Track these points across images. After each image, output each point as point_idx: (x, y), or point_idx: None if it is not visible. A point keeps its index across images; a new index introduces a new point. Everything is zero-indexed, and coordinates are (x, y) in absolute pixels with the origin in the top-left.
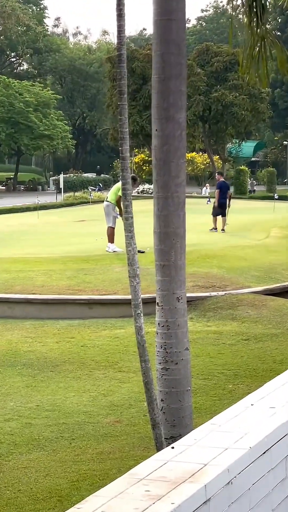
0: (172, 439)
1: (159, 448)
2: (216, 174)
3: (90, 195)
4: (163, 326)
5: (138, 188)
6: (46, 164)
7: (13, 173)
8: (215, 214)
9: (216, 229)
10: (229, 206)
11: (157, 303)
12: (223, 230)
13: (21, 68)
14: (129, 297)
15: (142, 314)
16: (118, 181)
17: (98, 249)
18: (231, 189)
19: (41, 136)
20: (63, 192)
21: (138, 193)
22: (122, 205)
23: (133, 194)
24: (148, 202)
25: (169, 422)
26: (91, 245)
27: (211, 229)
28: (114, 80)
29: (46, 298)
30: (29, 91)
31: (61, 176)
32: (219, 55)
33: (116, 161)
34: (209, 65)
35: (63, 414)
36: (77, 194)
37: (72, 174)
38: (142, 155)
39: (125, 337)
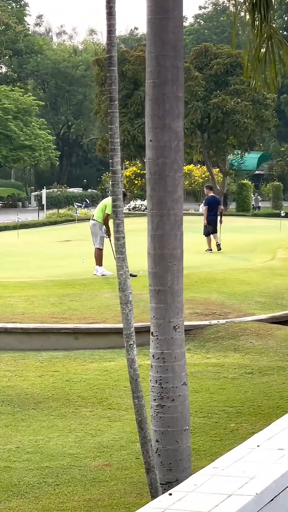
0: (169, 484)
1: (154, 494)
2: (205, 188)
3: (76, 213)
4: (158, 358)
5: (129, 204)
6: (27, 178)
7: None
8: (206, 233)
9: (211, 249)
10: (221, 223)
11: (152, 332)
12: (219, 244)
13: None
14: (120, 325)
15: (135, 345)
16: (107, 196)
17: (85, 272)
18: (231, 204)
19: (22, 146)
20: (46, 209)
21: (129, 210)
22: (111, 224)
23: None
24: (140, 220)
25: (165, 465)
26: (77, 268)
27: (207, 250)
28: (103, 85)
29: (27, 327)
30: (8, 96)
31: (44, 191)
32: (219, 57)
33: (105, 174)
34: (208, 68)
35: (46, 457)
36: (61, 211)
37: (55, 189)
38: (134, 168)
39: (115, 371)
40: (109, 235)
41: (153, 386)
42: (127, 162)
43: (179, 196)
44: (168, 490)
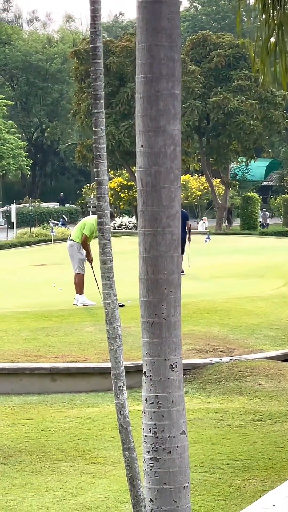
0: None
1: None
2: None
3: (52, 232)
4: (152, 403)
5: (114, 222)
6: None
7: None
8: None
9: (183, 271)
10: (189, 240)
11: (144, 372)
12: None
13: None
14: (105, 365)
15: (125, 387)
16: (88, 212)
17: (63, 302)
18: (235, 221)
19: None
20: (16, 227)
21: (115, 228)
22: (94, 245)
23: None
24: (128, 239)
25: None
26: (53, 297)
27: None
28: (83, 81)
29: None
30: None
31: (13, 207)
32: (219, 48)
33: (85, 186)
34: (207, 61)
35: None
36: (34, 230)
37: (27, 204)
38: (120, 179)
39: (99, 418)
40: (90, 260)
41: (146, 435)
42: (112, 172)
43: (176, 211)
44: None
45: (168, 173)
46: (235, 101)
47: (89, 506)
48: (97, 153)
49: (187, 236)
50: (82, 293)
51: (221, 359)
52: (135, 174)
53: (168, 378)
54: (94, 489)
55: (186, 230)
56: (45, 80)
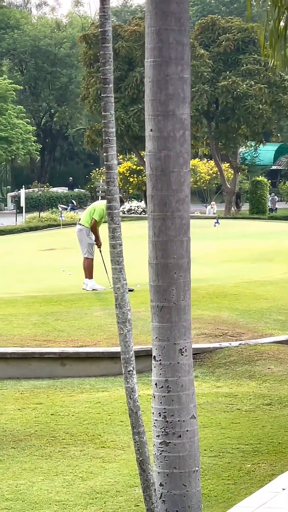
0: None
1: None
2: None
3: (61, 216)
4: (161, 387)
5: (123, 206)
6: (3, 176)
7: None
8: None
9: None
10: None
11: (154, 356)
12: None
13: None
14: (115, 349)
15: (134, 372)
16: (97, 197)
17: (73, 286)
18: (244, 205)
19: None
20: (25, 212)
21: (124, 212)
22: (103, 230)
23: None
24: (137, 224)
25: None
26: (63, 282)
27: None
28: (92, 65)
29: (4, 352)
30: None
31: (22, 192)
32: (228, 32)
33: (94, 171)
34: (216, 45)
35: (29, 505)
36: (43, 214)
37: (36, 189)
38: (129, 164)
39: (109, 403)
40: (99, 244)
41: (156, 420)
42: (121, 157)
43: (185, 195)
44: None
45: (177, 157)
46: (244, 85)
47: (99, 490)
48: (107, 138)
49: None
50: (91, 278)
51: (230, 344)
52: (144, 159)
53: (178, 363)
54: (104, 474)
55: None
56: (54, 64)
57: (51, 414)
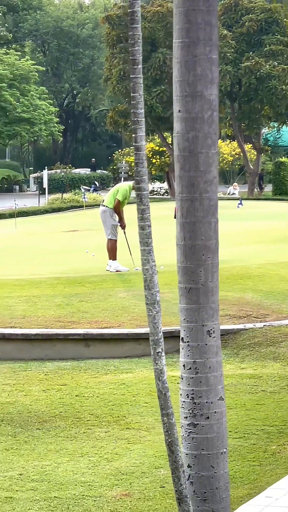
0: None
1: None
2: None
3: (84, 197)
4: (189, 368)
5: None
6: (25, 157)
7: None
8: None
9: None
10: None
11: (182, 338)
12: None
13: None
14: (139, 330)
15: (163, 353)
16: (120, 178)
17: (96, 268)
18: (267, 186)
19: (18, 120)
20: (48, 193)
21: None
22: (130, 211)
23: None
24: (160, 205)
25: (199, 495)
26: (86, 263)
27: None
28: (115, 46)
29: (28, 333)
30: (1, 61)
31: (45, 173)
32: (251, 12)
33: (117, 152)
34: (239, 26)
35: (55, 485)
36: (66, 196)
37: (59, 170)
38: (151, 145)
39: (133, 384)
40: (122, 226)
41: (184, 401)
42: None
43: (213, 176)
44: None
45: (205, 138)
46: (267, 66)
47: (124, 472)
48: (136, 119)
49: None
50: (115, 259)
51: (254, 325)
52: (172, 139)
53: (206, 344)
54: (129, 455)
55: None
56: (76, 45)
57: (76, 396)
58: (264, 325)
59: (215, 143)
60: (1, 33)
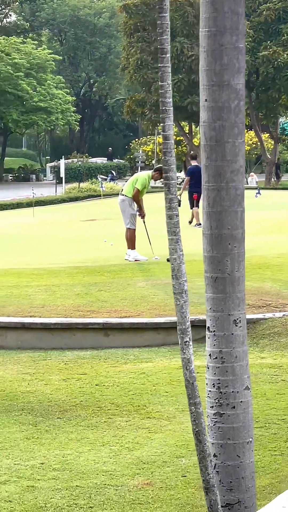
0: (229, 506)
1: None
2: (189, 157)
3: (101, 187)
4: (215, 358)
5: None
6: (41, 147)
7: None
8: (192, 205)
9: (201, 224)
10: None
11: (208, 327)
12: (190, 222)
13: (8, 20)
14: (159, 320)
15: (191, 342)
16: (137, 168)
17: (115, 257)
18: (284, 176)
19: (35, 109)
20: (65, 182)
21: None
22: (151, 200)
23: (156, 185)
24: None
25: (224, 484)
26: (105, 252)
27: (196, 225)
28: (133, 35)
29: (47, 322)
30: (19, 50)
31: (62, 162)
32: (269, 1)
33: (134, 141)
34: (256, 15)
35: (76, 475)
36: (83, 185)
37: (75, 159)
38: None
39: (153, 373)
40: (142, 215)
41: (210, 391)
42: (160, 127)
43: (240, 166)
44: None
45: (232, 128)
46: (285, 55)
47: (146, 461)
48: (164, 108)
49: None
50: (134, 248)
51: (274, 315)
52: (189, 129)
53: (232, 333)
54: (150, 444)
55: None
56: (93, 34)
57: (96, 385)
58: (284, 315)
59: (241, 133)
60: (18, 22)
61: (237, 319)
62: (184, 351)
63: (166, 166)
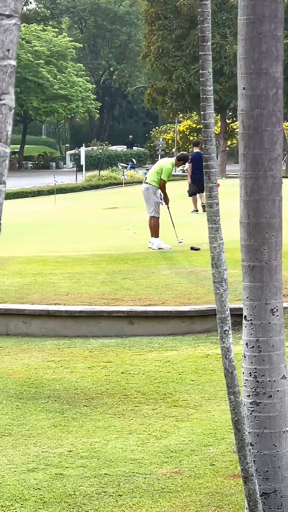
0: (265, 496)
1: (252, 508)
2: (192, 144)
3: (123, 175)
4: (252, 347)
5: (183, 165)
6: (61, 134)
7: (19, 146)
8: (191, 193)
9: (197, 210)
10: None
11: (245, 316)
12: (204, 205)
13: (28, 7)
14: (183, 308)
15: (230, 331)
16: (157, 156)
17: (138, 245)
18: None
19: (55, 96)
20: (85, 170)
21: (184, 171)
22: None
23: (177, 173)
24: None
25: (261, 473)
26: (128, 240)
27: (192, 211)
28: (154, 23)
29: (72, 310)
30: (39, 37)
31: (82, 150)
32: None
33: (154, 129)
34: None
35: (105, 463)
36: (103, 173)
37: (95, 147)
38: (189, 122)
39: (178, 361)
40: (167, 201)
41: (246, 380)
42: (181, 115)
43: (277, 154)
44: (265, 502)
45: (270, 116)
46: None
47: (174, 449)
48: (204, 96)
49: None
50: (158, 236)
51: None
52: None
53: (269, 323)
54: (177, 432)
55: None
56: (114, 22)
57: (121, 373)
58: None
59: (280, 121)
60: (39, 10)
61: (274, 308)
62: (224, 340)
63: (206, 154)
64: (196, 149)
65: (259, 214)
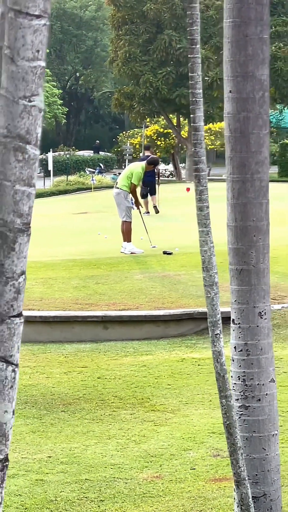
0: (255, 499)
1: None
2: (144, 148)
3: (92, 180)
4: (241, 350)
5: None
6: None
7: None
8: (142, 195)
9: (149, 212)
10: (158, 184)
11: (233, 320)
12: (155, 206)
13: None
14: (157, 312)
15: (221, 335)
16: (124, 160)
17: (110, 250)
18: (270, 168)
19: None
20: (53, 175)
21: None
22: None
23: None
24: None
25: (250, 477)
26: (100, 245)
27: (144, 213)
28: (121, 28)
29: (46, 316)
30: None
31: (50, 155)
32: None
33: (121, 134)
34: None
35: (85, 468)
36: (71, 178)
37: (62, 153)
38: (156, 127)
39: (154, 366)
40: (137, 205)
41: (235, 383)
42: (148, 120)
43: (264, 157)
44: (255, 506)
45: (256, 119)
46: (273, 47)
47: (153, 454)
48: (194, 99)
49: (157, 179)
50: (130, 241)
51: (272, 307)
52: (177, 121)
53: (257, 326)
54: (156, 437)
55: (156, 174)
56: (79, 27)
57: (98, 378)
58: (282, 307)
59: (266, 124)
60: None
61: (262, 311)
62: (215, 344)
63: (196, 157)
64: (147, 153)
65: (247, 217)
